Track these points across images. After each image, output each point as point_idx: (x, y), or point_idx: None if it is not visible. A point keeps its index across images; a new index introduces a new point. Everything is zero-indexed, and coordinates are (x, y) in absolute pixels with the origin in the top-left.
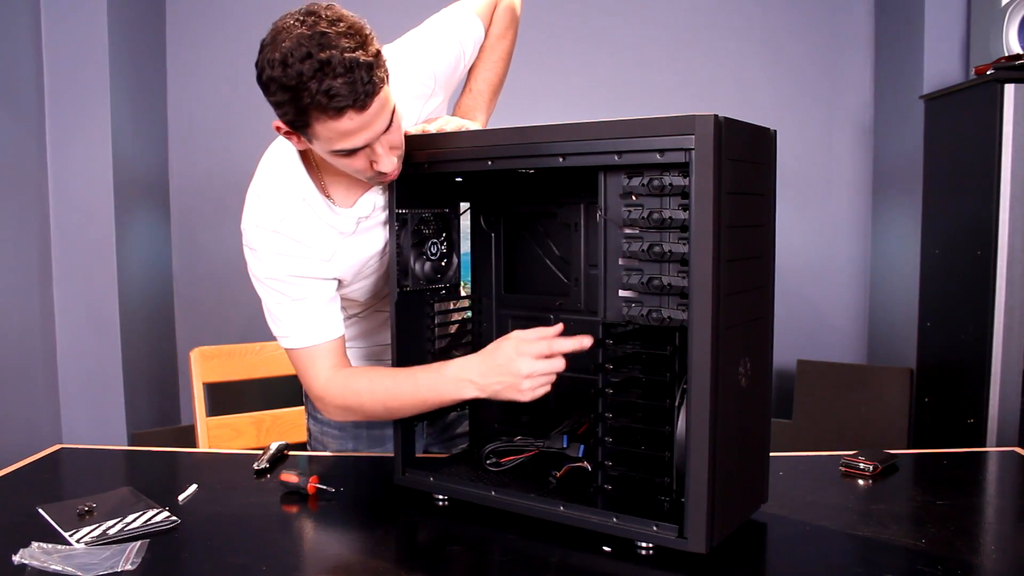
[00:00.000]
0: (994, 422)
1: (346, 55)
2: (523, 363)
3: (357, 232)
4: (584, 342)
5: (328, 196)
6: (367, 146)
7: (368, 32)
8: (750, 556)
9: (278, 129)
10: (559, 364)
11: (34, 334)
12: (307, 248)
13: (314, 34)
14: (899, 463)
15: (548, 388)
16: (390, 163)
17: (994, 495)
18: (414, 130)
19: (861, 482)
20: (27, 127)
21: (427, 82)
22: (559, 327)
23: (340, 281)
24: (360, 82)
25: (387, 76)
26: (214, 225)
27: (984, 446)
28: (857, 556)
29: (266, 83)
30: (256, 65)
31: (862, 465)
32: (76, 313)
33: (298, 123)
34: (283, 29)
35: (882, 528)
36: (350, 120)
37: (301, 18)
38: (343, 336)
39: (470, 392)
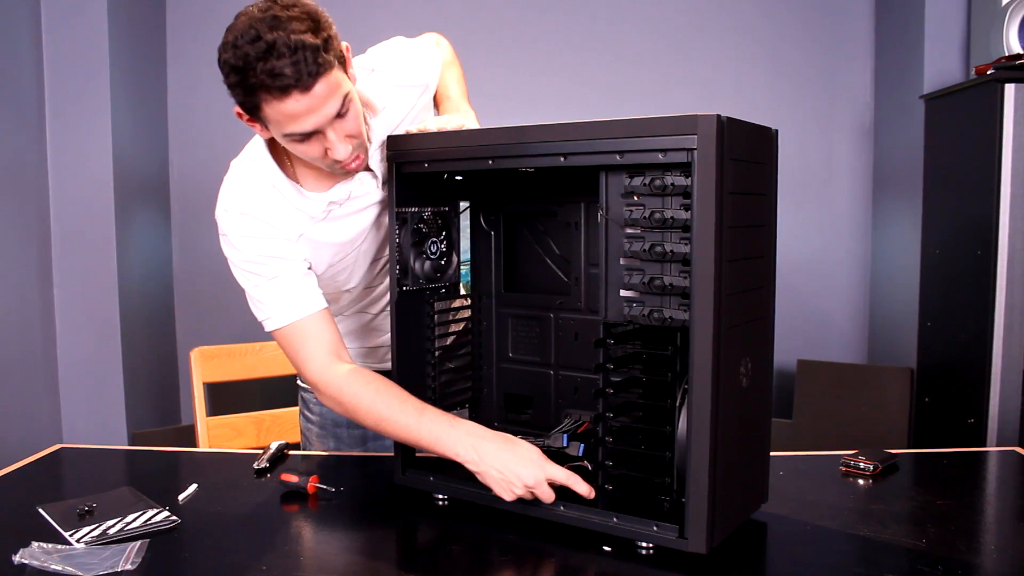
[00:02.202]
0: (994, 422)
1: (292, 36)
2: (532, 473)
3: (328, 219)
4: (591, 494)
5: (299, 183)
6: (318, 131)
7: (322, 19)
8: (750, 556)
9: (239, 116)
10: (551, 496)
11: (34, 334)
12: (273, 228)
13: (265, 17)
14: (899, 463)
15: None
16: (344, 150)
17: (994, 495)
18: (414, 130)
19: (861, 482)
20: (27, 127)
21: (420, 76)
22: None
23: (310, 266)
24: (304, 62)
25: (343, 63)
26: (214, 225)
27: (984, 446)
28: (857, 556)
29: (221, 67)
30: (217, 50)
31: (862, 465)
32: (76, 313)
33: (248, 105)
34: (241, 14)
35: (882, 528)
36: (296, 101)
37: (260, 5)
38: (327, 310)
39: (466, 456)
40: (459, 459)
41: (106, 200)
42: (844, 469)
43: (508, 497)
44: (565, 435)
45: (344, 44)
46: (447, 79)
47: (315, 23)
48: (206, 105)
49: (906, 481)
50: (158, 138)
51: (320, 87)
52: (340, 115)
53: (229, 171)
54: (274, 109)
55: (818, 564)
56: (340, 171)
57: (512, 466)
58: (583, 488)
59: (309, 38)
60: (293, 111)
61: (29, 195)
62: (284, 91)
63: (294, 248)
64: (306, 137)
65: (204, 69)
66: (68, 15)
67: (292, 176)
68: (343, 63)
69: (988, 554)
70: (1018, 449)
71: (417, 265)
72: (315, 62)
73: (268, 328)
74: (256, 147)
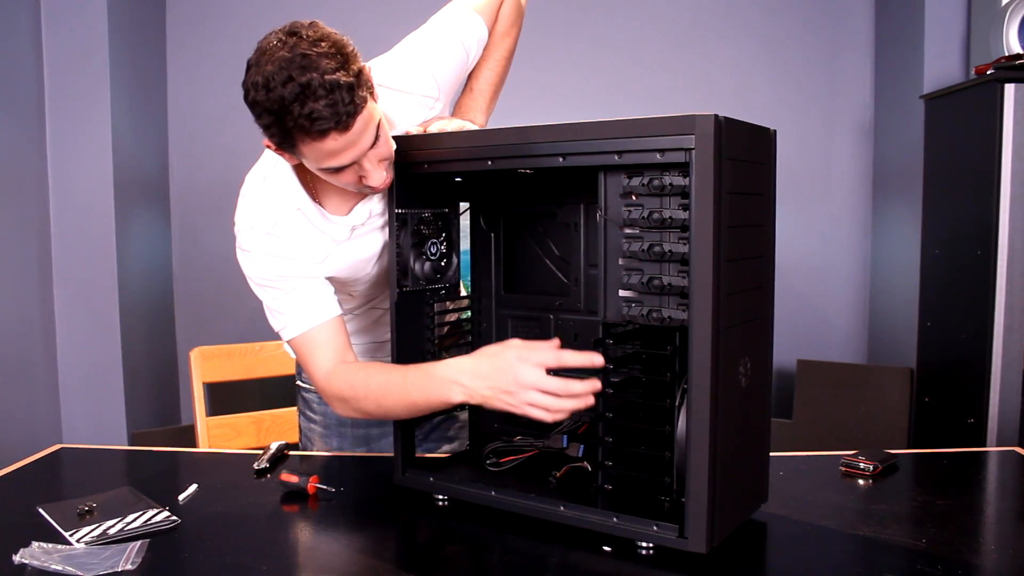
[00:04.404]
0: (994, 422)
1: (327, 77)
2: (525, 371)
3: (352, 239)
4: (595, 359)
5: (322, 205)
6: (355, 162)
7: (350, 50)
8: (750, 556)
9: (268, 146)
10: (569, 387)
11: (34, 334)
12: (299, 250)
13: (294, 56)
14: (899, 463)
15: (547, 413)
16: (379, 177)
17: (994, 495)
18: (414, 130)
19: (861, 482)
20: (27, 127)
21: (431, 90)
22: (556, 340)
23: (332, 278)
24: (341, 103)
25: (371, 91)
26: (214, 225)
27: (984, 446)
28: (857, 556)
29: (251, 105)
30: (243, 86)
31: (862, 465)
32: (76, 313)
33: (285, 144)
34: (266, 51)
35: (882, 528)
36: (334, 140)
37: (283, 38)
38: (340, 318)
39: (457, 395)
40: (453, 402)
41: (106, 200)
42: (844, 469)
43: (521, 410)
44: (565, 436)
45: (367, 67)
46: (485, 65)
47: (344, 57)
48: (206, 105)
49: (906, 481)
50: (158, 138)
51: (357, 124)
52: (373, 143)
53: (249, 185)
54: (311, 148)
55: (818, 564)
56: (370, 192)
57: (502, 375)
58: (579, 359)
59: (343, 76)
60: (331, 149)
61: (29, 195)
62: (323, 133)
63: (318, 268)
64: (342, 168)
65: (204, 69)
66: (68, 15)
67: (315, 198)
68: (371, 91)
69: (988, 554)
70: (1018, 449)
71: (417, 266)
72: (352, 101)
73: (283, 338)
74: (277, 164)
